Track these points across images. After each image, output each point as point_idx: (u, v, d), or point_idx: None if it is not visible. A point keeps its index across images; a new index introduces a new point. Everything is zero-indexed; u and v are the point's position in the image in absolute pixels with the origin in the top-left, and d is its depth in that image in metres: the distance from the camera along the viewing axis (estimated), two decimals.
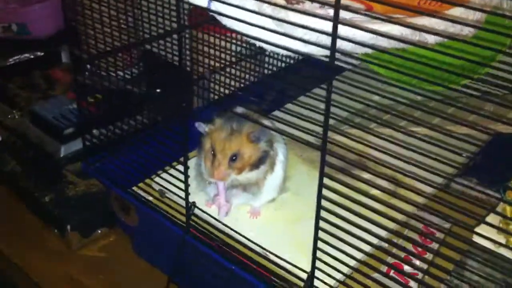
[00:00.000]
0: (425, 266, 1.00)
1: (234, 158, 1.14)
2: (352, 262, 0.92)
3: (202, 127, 1.17)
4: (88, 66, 1.46)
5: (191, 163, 1.22)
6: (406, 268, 0.97)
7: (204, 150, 1.18)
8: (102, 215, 1.44)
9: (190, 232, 1.21)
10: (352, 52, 0.89)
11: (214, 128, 1.16)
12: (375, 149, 0.83)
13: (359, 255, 0.90)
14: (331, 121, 0.84)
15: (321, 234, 0.94)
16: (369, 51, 0.92)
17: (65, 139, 1.50)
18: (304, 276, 1.04)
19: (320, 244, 0.95)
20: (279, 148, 1.23)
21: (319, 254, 0.96)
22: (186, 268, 1.26)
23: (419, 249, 1.06)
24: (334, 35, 0.77)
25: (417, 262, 0.99)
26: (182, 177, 1.17)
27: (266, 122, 1.20)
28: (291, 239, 1.19)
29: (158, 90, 1.60)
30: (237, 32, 1.01)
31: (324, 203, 0.90)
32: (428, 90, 0.83)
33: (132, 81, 1.54)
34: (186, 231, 1.21)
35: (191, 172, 1.18)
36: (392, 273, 0.96)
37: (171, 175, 1.23)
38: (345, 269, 0.93)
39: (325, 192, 0.89)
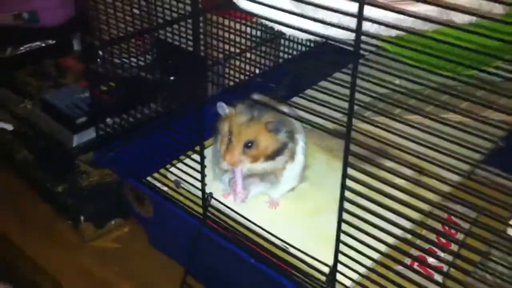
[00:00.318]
0: (450, 258, 0.95)
1: (249, 145, 1.10)
2: (375, 255, 0.88)
3: (222, 107, 1.13)
4: (101, 53, 1.42)
5: (207, 152, 1.18)
6: (431, 260, 0.94)
7: (221, 133, 1.14)
8: (116, 205, 1.41)
9: (207, 223, 1.17)
10: (377, 35, 0.84)
11: (235, 112, 1.12)
12: (401, 136, 0.78)
13: (382, 248, 0.86)
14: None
15: (344, 227, 0.90)
16: (395, 33, 0.87)
17: (77, 129, 1.47)
18: (325, 270, 1.00)
19: (342, 237, 0.91)
20: (299, 137, 1.19)
21: (341, 247, 0.92)
22: (203, 260, 1.22)
23: (444, 240, 1.02)
24: (360, 16, 0.72)
25: (442, 254, 0.95)
26: (198, 166, 1.13)
27: (286, 109, 1.15)
28: (311, 231, 1.14)
29: (172, 78, 1.56)
30: (254, 15, 0.96)
31: (347, 194, 0.86)
32: (460, 74, 0.78)
33: (145, 68, 1.49)
34: (203, 222, 1.17)
35: (208, 162, 1.14)
36: (416, 265, 0.91)
37: (186, 165, 1.19)
38: (368, 262, 0.89)
39: (348, 182, 0.85)
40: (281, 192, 1.22)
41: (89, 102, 1.52)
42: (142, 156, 1.30)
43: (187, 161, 1.20)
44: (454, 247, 1.01)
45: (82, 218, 1.37)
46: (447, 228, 1.08)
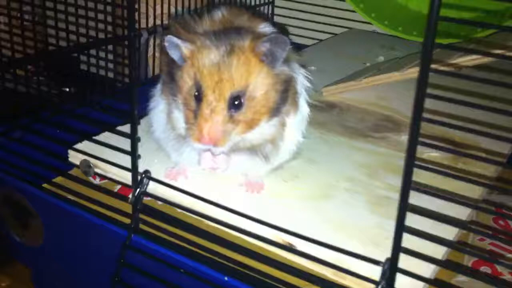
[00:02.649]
0: None
1: (236, 101, 0.64)
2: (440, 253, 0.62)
3: (174, 43, 0.66)
4: None
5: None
6: None
7: (181, 92, 0.67)
8: None
9: (138, 230, 0.67)
10: None
11: (199, 46, 0.66)
12: None
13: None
14: None
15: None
16: None
17: None
18: (375, 275, 0.53)
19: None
20: (298, 72, 0.74)
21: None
22: None
23: None
24: None
25: None
26: (121, 140, 0.64)
27: (268, 28, 0.71)
28: (321, 220, 0.70)
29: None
30: None
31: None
32: None
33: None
34: (133, 229, 0.66)
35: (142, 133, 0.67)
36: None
37: (101, 143, 0.70)
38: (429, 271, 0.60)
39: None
40: (271, 166, 0.75)
41: None
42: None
43: (106, 136, 0.71)
44: None
45: None
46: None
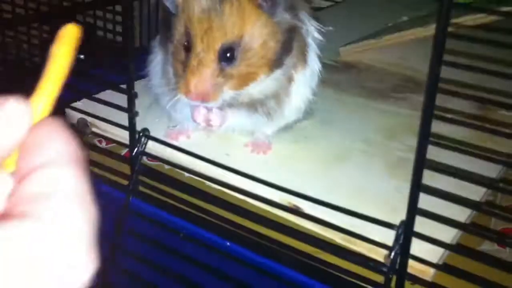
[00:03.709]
0: None
1: (228, 53, 0.58)
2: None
3: None
4: None
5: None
6: None
7: (173, 40, 0.62)
8: None
9: (138, 191, 0.63)
10: None
11: None
12: None
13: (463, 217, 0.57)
14: None
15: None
16: None
17: None
18: (388, 240, 0.48)
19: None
20: (307, 22, 0.68)
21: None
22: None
23: None
24: None
25: None
26: (119, 97, 0.61)
27: None
28: (334, 183, 0.65)
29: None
30: None
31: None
32: None
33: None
34: (131, 190, 0.62)
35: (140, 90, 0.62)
36: None
37: (97, 99, 0.65)
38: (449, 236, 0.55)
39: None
40: (279, 126, 0.70)
41: None
42: None
43: (107, 95, 0.67)
44: None
45: None
46: None
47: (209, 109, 0.63)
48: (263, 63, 0.60)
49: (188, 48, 0.59)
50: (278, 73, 0.63)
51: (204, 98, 0.58)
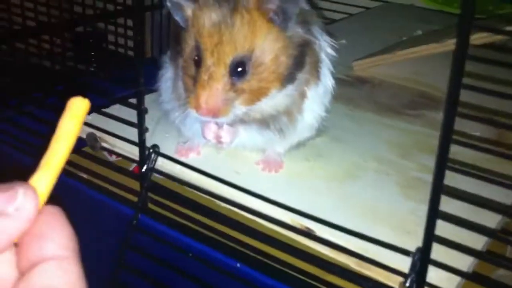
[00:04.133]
0: None
1: (240, 67, 0.57)
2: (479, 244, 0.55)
3: (176, 3, 0.61)
4: None
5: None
6: None
7: (182, 55, 0.61)
8: None
9: (147, 209, 0.62)
10: None
11: (199, 5, 0.59)
12: None
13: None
14: None
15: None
16: None
17: None
18: (403, 266, 0.46)
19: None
20: (320, 38, 0.66)
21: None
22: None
23: None
24: None
25: None
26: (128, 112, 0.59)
27: None
28: (344, 202, 0.63)
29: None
30: None
31: None
32: None
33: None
34: (140, 207, 0.61)
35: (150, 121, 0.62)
36: None
37: (107, 114, 0.65)
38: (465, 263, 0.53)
39: None
40: (291, 143, 0.69)
41: None
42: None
43: (116, 109, 0.66)
44: None
45: None
46: None
47: (219, 125, 0.62)
48: (274, 78, 0.59)
49: (198, 63, 0.58)
50: (290, 88, 0.62)
51: (214, 113, 0.57)
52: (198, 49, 0.58)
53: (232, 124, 0.62)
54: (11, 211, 0.26)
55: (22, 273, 0.27)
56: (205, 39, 0.57)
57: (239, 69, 0.57)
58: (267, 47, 0.58)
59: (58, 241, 0.27)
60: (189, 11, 0.60)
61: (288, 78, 0.60)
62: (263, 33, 0.58)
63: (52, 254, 0.27)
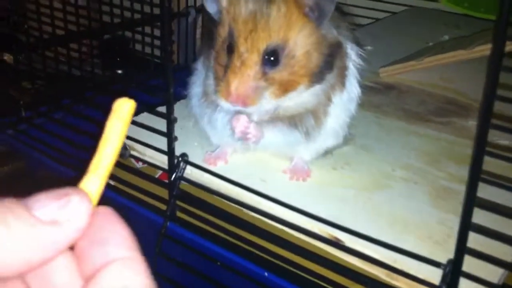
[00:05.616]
0: None
1: (272, 57, 0.58)
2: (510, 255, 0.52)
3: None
4: None
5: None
6: None
7: (214, 47, 0.62)
8: None
9: (176, 217, 0.62)
10: None
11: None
12: None
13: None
14: None
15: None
16: None
17: None
18: (431, 276, 0.46)
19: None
20: (349, 46, 0.67)
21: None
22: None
23: None
24: None
25: None
26: (159, 122, 0.60)
27: None
28: (371, 213, 0.63)
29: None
30: None
31: None
32: None
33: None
34: (169, 215, 0.61)
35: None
36: None
37: (136, 123, 0.65)
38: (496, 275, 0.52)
39: None
40: (317, 150, 0.69)
41: None
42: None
43: (145, 118, 0.67)
44: None
45: None
46: None
47: (247, 123, 0.62)
48: (304, 72, 0.59)
49: (231, 49, 0.58)
50: (317, 88, 0.62)
51: (244, 101, 0.57)
52: (231, 36, 0.59)
53: (259, 124, 0.62)
54: (64, 219, 0.25)
55: (87, 279, 0.26)
56: (240, 25, 0.58)
57: (272, 58, 0.57)
58: (301, 40, 0.58)
59: (120, 243, 0.26)
60: (224, 1, 0.61)
61: (317, 76, 0.60)
62: (298, 26, 0.58)
63: (117, 256, 0.26)
